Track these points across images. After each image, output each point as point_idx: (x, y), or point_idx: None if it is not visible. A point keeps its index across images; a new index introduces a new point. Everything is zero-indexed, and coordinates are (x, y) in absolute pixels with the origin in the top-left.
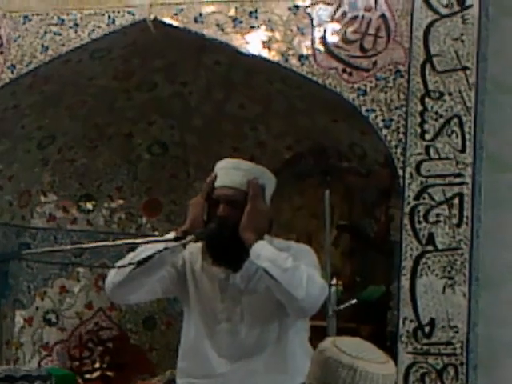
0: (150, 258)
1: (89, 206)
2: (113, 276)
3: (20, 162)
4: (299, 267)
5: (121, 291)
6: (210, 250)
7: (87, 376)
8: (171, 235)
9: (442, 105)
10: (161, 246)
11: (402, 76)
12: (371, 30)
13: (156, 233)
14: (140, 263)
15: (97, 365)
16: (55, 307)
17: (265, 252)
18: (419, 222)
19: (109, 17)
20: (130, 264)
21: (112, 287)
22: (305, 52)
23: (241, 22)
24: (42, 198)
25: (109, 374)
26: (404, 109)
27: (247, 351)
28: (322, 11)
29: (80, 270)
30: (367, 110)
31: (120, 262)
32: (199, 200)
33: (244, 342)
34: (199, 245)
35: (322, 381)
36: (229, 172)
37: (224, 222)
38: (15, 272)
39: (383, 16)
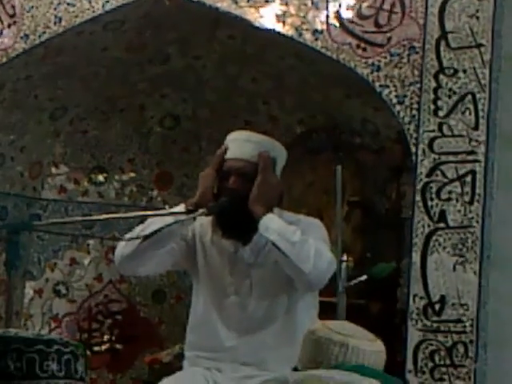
0: (159, 230)
1: (100, 178)
2: (122, 248)
3: (32, 133)
4: (307, 241)
5: (130, 263)
6: (219, 223)
7: (96, 348)
8: (181, 207)
9: (456, 82)
10: (171, 218)
11: (416, 52)
12: (386, 6)
13: (167, 206)
14: (149, 236)
15: (106, 337)
16: (65, 279)
17: (273, 225)
18: (431, 199)
19: None
20: (139, 237)
21: (121, 259)
22: (319, 27)
23: None
24: (54, 170)
25: (118, 346)
26: (418, 85)
27: (256, 325)
28: None
29: (90, 242)
30: (381, 86)
31: (129, 235)
32: (210, 172)
33: (253, 315)
34: (209, 217)
35: (314, 360)
36: (240, 144)
37: (234, 195)
38: (26, 243)
39: None
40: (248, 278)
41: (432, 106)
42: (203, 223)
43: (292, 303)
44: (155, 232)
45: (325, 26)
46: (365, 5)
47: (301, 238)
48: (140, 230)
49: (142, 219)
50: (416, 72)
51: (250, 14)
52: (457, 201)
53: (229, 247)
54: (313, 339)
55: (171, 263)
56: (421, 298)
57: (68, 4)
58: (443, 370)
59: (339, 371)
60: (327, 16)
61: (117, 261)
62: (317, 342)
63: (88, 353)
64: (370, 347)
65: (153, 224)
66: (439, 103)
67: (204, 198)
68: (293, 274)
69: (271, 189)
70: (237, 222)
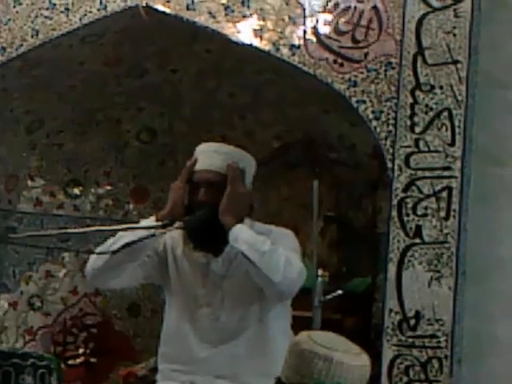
0: (131, 244)
1: (76, 191)
2: (93, 261)
3: (8, 146)
4: (277, 250)
5: (101, 277)
6: (190, 236)
7: (71, 362)
8: (151, 220)
9: (432, 98)
10: (143, 232)
11: (393, 68)
12: (363, 22)
13: (142, 220)
14: (121, 249)
15: (80, 351)
16: (40, 292)
17: (243, 235)
18: (407, 215)
19: (100, 2)
20: (110, 251)
21: (92, 272)
22: (296, 42)
23: (233, 10)
24: (29, 183)
25: (92, 360)
26: (394, 101)
27: (228, 335)
28: (315, 1)
29: (66, 255)
30: (357, 102)
31: (100, 248)
32: (179, 184)
33: (225, 326)
34: (180, 230)
35: (297, 372)
36: (209, 155)
37: (211, 208)
38: (1, 256)
39: (375, 7)
40: (220, 290)
41: (408, 122)
42: (174, 236)
43: (264, 313)
44: (126, 245)
45: (302, 42)
46: (342, 20)
47: (270, 248)
48: (111, 243)
49: (117, 232)
50: (393, 88)
51: (228, 29)
52: (432, 216)
53: (200, 259)
54: (297, 351)
55: (143, 276)
56: (396, 313)
57: (45, 17)
58: None
59: None
60: (304, 31)
61: (88, 274)
62: (301, 355)
63: (63, 366)
64: (355, 361)
65: (124, 237)
66: (416, 119)
67: (175, 210)
68: (263, 284)
69: (241, 199)
70: (208, 234)
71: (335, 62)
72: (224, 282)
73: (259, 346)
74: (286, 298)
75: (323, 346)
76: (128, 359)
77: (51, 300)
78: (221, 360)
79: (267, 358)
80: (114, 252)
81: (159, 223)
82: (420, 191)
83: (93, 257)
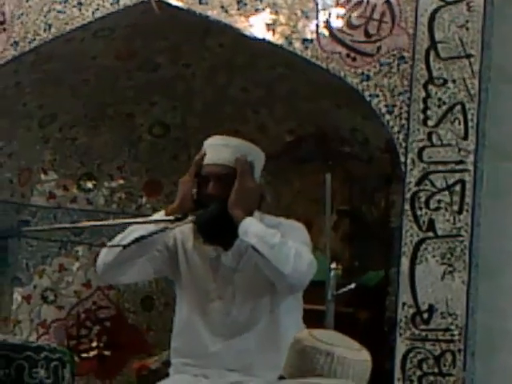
0: (141, 238)
1: (89, 184)
2: (104, 256)
3: (21, 140)
4: (286, 243)
5: (111, 271)
6: (201, 230)
7: (84, 355)
8: (161, 214)
9: (445, 92)
10: (153, 226)
11: (405, 62)
12: (376, 15)
13: (155, 213)
14: (131, 243)
15: (94, 344)
16: (53, 285)
17: (252, 228)
18: (420, 209)
19: None
20: (120, 245)
21: (103, 268)
22: (309, 36)
23: (245, 4)
24: (43, 176)
25: (106, 353)
26: (407, 95)
27: (240, 329)
28: None
29: (79, 248)
30: (370, 95)
31: (111, 243)
32: (188, 178)
33: (236, 320)
34: (190, 223)
35: (299, 369)
36: (217, 149)
37: (222, 202)
38: (14, 249)
39: (388, 1)
40: (231, 283)
41: (421, 116)
42: (184, 230)
43: (275, 307)
44: (136, 240)
45: (315, 35)
46: (354, 14)
47: (280, 241)
48: (121, 237)
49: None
50: (405, 82)
51: (240, 23)
52: (446, 210)
53: (210, 253)
54: (298, 348)
55: (153, 271)
56: (409, 306)
57: (58, 11)
58: (431, 378)
59: (326, 379)
60: (317, 25)
61: (99, 269)
62: (302, 351)
63: (76, 359)
64: (356, 356)
65: (134, 232)
66: (428, 113)
67: (184, 204)
68: (273, 277)
69: (250, 193)
70: (218, 228)
71: (348, 55)
72: (235, 275)
73: (270, 340)
74: (296, 291)
75: (324, 342)
76: (141, 352)
77: (65, 293)
78: (232, 353)
79: (279, 351)
80: (127, 245)
81: (171, 217)
82: (433, 185)
83: (103, 252)
